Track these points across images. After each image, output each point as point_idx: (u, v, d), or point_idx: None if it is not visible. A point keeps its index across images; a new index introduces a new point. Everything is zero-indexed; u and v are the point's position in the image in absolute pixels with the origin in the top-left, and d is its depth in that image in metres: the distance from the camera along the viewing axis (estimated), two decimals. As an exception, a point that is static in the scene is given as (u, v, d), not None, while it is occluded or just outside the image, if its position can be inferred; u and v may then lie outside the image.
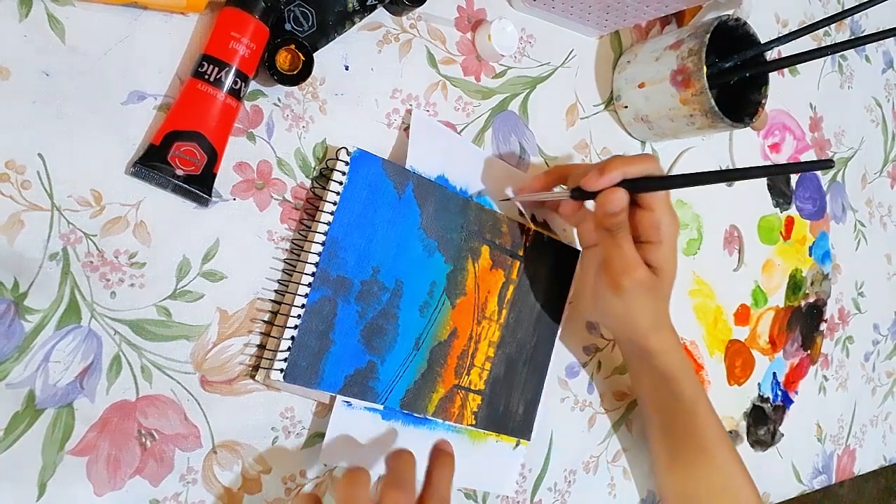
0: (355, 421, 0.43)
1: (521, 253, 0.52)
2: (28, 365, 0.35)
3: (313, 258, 0.41)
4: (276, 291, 0.42)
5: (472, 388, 0.49)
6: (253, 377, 0.41)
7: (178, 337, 0.39)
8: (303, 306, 0.40)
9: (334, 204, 0.42)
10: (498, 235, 0.51)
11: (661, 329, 0.50)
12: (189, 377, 0.40)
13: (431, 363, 0.47)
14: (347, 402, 0.43)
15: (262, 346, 0.42)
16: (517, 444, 0.52)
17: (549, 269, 0.54)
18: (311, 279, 0.41)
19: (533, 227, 0.53)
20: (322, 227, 0.42)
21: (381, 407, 0.44)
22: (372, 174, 0.44)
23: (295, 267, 0.42)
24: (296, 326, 0.40)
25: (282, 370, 0.40)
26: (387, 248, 0.44)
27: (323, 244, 0.42)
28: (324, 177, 0.44)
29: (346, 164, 0.43)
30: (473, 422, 0.49)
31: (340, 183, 0.42)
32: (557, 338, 0.54)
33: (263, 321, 0.42)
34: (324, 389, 0.41)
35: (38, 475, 0.35)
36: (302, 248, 0.43)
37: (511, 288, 0.51)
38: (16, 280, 0.35)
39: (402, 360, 0.45)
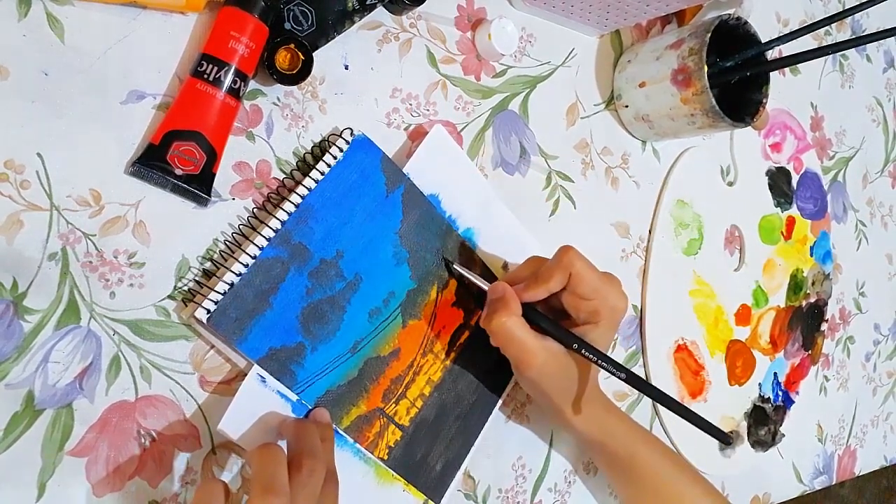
0: (264, 401, 0.40)
1: None
2: (27, 365, 0.35)
3: (282, 215, 0.40)
4: (234, 239, 0.41)
5: (396, 419, 0.45)
6: (180, 312, 0.39)
7: (178, 337, 0.39)
8: (254, 257, 0.39)
9: (322, 174, 0.41)
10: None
11: (582, 405, 0.49)
12: (188, 377, 0.40)
13: (362, 374, 0.44)
14: (262, 376, 0.39)
15: (200, 284, 0.40)
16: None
17: None
18: (272, 234, 0.40)
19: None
20: (302, 191, 0.41)
21: (294, 397, 0.41)
22: (367, 162, 0.43)
23: (261, 220, 0.41)
24: (240, 275, 0.38)
25: (208, 311, 0.37)
26: (357, 237, 0.43)
27: (297, 206, 0.40)
28: (321, 150, 0.43)
29: (347, 143, 0.42)
30: (386, 456, 0.45)
31: (335, 157, 0.42)
32: (493, 412, 0.51)
33: (212, 260, 0.40)
34: (244, 351, 0.39)
35: (37, 476, 0.35)
36: (274, 204, 0.42)
37: (466, 334, 0.49)
38: (15, 280, 0.35)
39: (333, 357, 0.42)
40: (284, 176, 0.43)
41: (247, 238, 0.41)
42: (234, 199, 0.41)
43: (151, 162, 0.37)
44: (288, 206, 0.40)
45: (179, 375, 0.39)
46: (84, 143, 0.37)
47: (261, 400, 0.40)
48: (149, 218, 0.39)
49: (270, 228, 0.40)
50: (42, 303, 0.36)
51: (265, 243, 0.39)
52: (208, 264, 0.40)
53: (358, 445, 0.44)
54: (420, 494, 0.47)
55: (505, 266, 0.52)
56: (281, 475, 0.34)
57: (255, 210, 0.42)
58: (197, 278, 0.40)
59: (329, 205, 0.42)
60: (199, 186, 0.39)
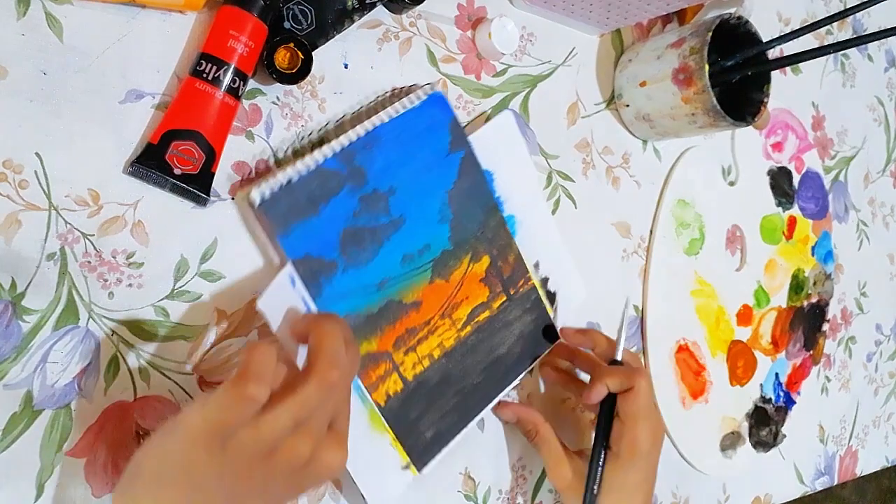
0: (289, 301, 0.40)
1: (511, 292, 0.51)
2: (26, 365, 0.35)
3: (352, 135, 0.42)
4: (308, 142, 0.44)
5: (402, 370, 0.46)
6: (236, 191, 0.41)
7: (176, 337, 0.39)
8: (316, 163, 0.40)
9: (397, 112, 0.44)
10: (503, 259, 0.50)
11: None
12: (187, 378, 0.39)
13: (381, 313, 0.44)
14: (293, 278, 0.40)
15: (258, 175, 0.42)
16: (406, 467, 0.47)
17: (525, 330, 0.52)
18: (338, 148, 0.41)
19: (533, 280, 0.52)
20: (375, 120, 0.43)
21: (315, 309, 0.41)
22: (438, 118, 0.46)
23: (335, 132, 0.43)
24: (300, 175, 0.40)
25: (262, 196, 0.38)
26: (412, 182, 0.45)
27: (367, 131, 0.43)
28: (398, 96, 0.46)
29: (427, 94, 0.45)
30: (383, 403, 0.45)
31: (412, 103, 0.44)
32: (492, 405, 0.51)
33: (279, 158, 0.43)
34: (284, 247, 0.40)
35: (36, 476, 0.35)
36: (348, 121, 0.44)
37: (486, 314, 0.50)
38: (13, 280, 0.35)
39: (360, 285, 0.43)
40: (362, 104, 0.46)
41: (317, 145, 0.43)
42: (233, 198, 0.41)
43: (150, 161, 0.37)
44: (359, 129, 0.42)
45: (178, 376, 0.39)
46: (82, 142, 0.37)
47: (287, 300, 0.40)
48: (147, 218, 0.38)
49: (338, 142, 0.41)
50: (40, 303, 0.35)
51: (330, 154, 0.41)
52: (281, 154, 0.42)
53: (360, 382, 0.44)
54: (405, 455, 0.47)
55: (536, 265, 0.52)
56: (342, 349, 0.34)
57: (327, 125, 0.44)
58: (268, 164, 0.41)
59: (395, 142, 0.44)
60: (197, 186, 0.39)
